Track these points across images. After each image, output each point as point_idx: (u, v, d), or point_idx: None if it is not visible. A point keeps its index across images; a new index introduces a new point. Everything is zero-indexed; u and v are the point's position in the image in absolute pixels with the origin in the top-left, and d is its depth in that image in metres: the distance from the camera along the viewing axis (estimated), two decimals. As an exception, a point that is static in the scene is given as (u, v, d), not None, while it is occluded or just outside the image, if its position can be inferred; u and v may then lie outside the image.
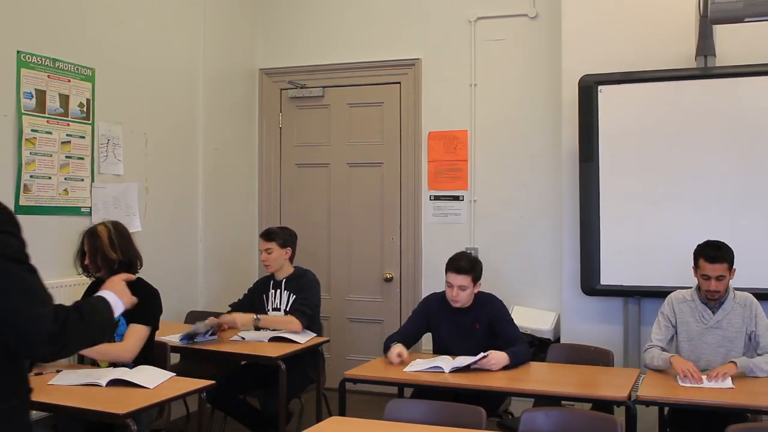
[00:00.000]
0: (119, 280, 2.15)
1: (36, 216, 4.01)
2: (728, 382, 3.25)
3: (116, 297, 2.06)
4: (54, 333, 1.74)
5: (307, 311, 4.20)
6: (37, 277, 1.78)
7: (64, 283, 3.97)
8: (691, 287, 3.67)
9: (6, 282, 1.71)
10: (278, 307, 4.34)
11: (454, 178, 5.38)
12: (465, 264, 3.83)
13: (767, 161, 4.23)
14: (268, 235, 4.41)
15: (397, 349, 3.69)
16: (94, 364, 3.53)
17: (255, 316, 4.16)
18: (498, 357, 3.57)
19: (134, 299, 2.17)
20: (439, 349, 3.88)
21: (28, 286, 1.74)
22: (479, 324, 3.85)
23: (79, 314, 1.83)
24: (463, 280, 3.80)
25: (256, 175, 5.89)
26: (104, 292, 2.06)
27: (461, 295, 3.81)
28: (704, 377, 3.28)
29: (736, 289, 3.61)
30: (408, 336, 3.91)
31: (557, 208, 4.91)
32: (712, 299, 3.56)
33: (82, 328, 1.83)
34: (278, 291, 4.38)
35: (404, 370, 3.56)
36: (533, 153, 5.17)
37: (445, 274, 3.85)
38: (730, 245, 3.56)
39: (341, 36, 5.68)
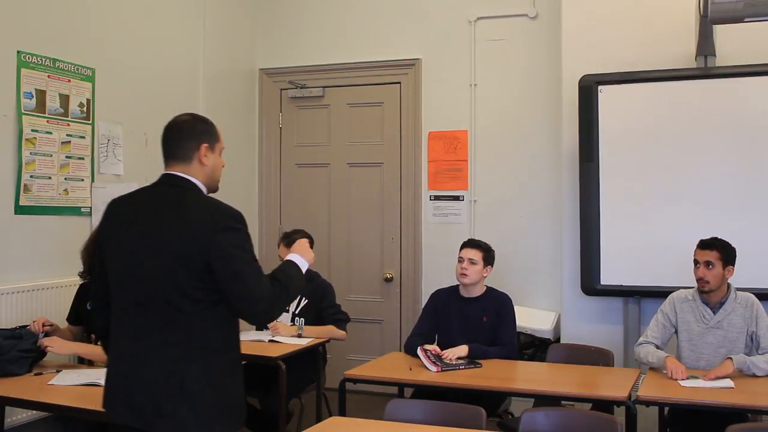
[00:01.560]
0: (302, 242, 2.58)
1: (36, 216, 4.01)
2: (728, 382, 3.25)
3: (301, 258, 2.48)
4: (264, 310, 2.28)
5: (343, 317, 4.28)
6: (257, 264, 2.28)
7: (64, 284, 3.97)
8: (692, 287, 3.67)
9: (238, 266, 2.22)
10: (287, 309, 4.32)
11: (454, 178, 5.38)
12: (478, 241, 4.02)
13: (767, 161, 4.23)
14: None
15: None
16: (92, 364, 3.52)
17: (298, 328, 4.16)
18: (456, 350, 3.67)
19: (313, 256, 2.55)
20: (444, 342, 3.88)
21: (252, 271, 2.25)
22: (487, 317, 3.88)
23: (280, 286, 2.32)
24: (473, 254, 3.91)
25: (256, 175, 5.89)
26: (291, 256, 2.49)
27: (470, 269, 3.88)
28: (701, 379, 3.28)
29: (737, 289, 3.61)
30: (428, 334, 3.97)
31: (557, 208, 4.91)
32: (702, 291, 3.57)
33: (283, 298, 2.35)
34: None
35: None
36: (533, 153, 5.17)
37: (459, 253, 3.98)
38: (731, 244, 3.57)
39: (341, 36, 5.68)
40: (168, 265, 2.22)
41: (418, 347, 3.65)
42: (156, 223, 2.27)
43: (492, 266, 3.97)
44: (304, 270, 2.46)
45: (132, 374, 2.26)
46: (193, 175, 2.35)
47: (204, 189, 2.38)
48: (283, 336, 4.09)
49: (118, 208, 2.41)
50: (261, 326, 2.27)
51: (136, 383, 2.25)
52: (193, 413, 2.21)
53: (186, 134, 2.36)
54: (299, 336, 4.10)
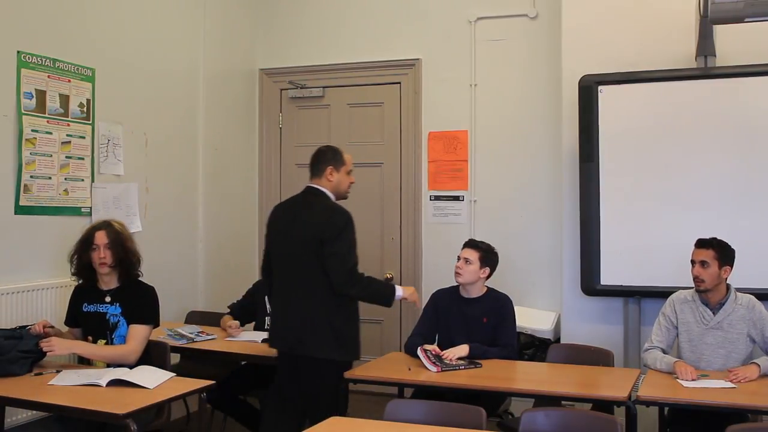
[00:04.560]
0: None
1: (36, 216, 4.01)
2: (728, 382, 3.25)
3: (400, 288, 3.69)
4: (343, 281, 3.43)
5: None
6: (350, 250, 3.49)
7: (64, 284, 3.97)
8: (692, 287, 3.67)
9: (334, 247, 3.41)
10: None
11: (454, 178, 5.38)
12: (477, 242, 4.01)
13: (767, 161, 4.23)
14: None
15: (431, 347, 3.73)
16: (92, 364, 3.51)
17: None
18: (456, 350, 3.67)
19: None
20: (444, 342, 3.88)
21: (343, 253, 3.44)
22: (487, 318, 3.87)
23: (366, 279, 3.53)
24: (470, 254, 3.90)
25: (256, 175, 5.89)
26: (397, 286, 3.70)
27: (465, 268, 3.88)
28: (721, 380, 3.28)
29: (737, 289, 3.61)
30: (428, 334, 3.96)
31: (557, 208, 4.91)
32: (698, 290, 3.57)
33: (363, 285, 3.52)
34: None
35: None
36: (533, 153, 5.17)
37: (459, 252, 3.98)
38: (730, 245, 3.57)
39: (341, 36, 5.68)
40: (303, 243, 3.43)
41: (418, 347, 3.65)
42: (300, 216, 3.51)
43: (491, 268, 3.94)
44: (395, 294, 3.62)
45: (283, 317, 3.56)
46: (324, 186, 3.57)
47: (332, 196, 3.57)
48: None
49: (278, 210, 3.70)
50: (344, 294, 3.43)
51: (286, 322, 3.53)
52: (318, 343, 3.42)
53: (320, 159, 3.59)
54: None
